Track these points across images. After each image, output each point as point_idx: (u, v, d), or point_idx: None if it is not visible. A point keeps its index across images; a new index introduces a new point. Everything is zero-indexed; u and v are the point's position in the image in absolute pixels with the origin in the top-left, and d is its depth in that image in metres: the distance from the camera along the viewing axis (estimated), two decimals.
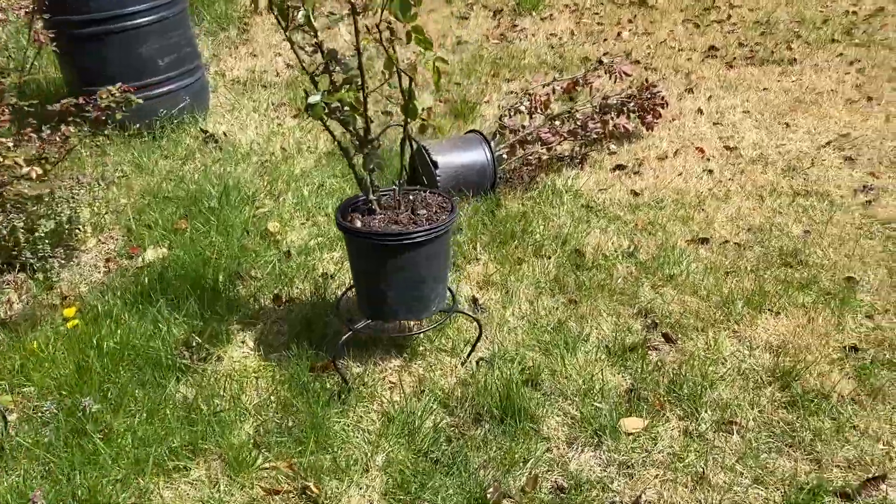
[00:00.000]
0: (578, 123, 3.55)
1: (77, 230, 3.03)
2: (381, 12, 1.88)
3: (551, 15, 5.49)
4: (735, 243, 2.92)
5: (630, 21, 5.38)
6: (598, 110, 3.60)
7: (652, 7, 5.57)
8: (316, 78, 2.13)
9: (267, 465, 2.01)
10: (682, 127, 3.91)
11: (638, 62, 4.75)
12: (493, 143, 3.51)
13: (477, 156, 3.26)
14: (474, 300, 2.66)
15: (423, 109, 2.09)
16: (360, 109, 2.13)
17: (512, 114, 3.63)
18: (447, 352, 2.41)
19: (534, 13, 5.49)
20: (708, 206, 3.19)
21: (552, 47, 5.04)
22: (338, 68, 2.13)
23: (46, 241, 2.84)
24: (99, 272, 2.88)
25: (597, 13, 5.53)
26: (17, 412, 2.24)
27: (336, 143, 2.22)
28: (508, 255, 2.87)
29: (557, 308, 2.59)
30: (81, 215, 3.10)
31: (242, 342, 2.49)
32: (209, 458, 2.04)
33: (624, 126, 3.67)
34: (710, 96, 4.24)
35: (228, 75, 4.76)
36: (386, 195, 2.28)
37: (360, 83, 2.10)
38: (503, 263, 2.84)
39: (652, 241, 2.95)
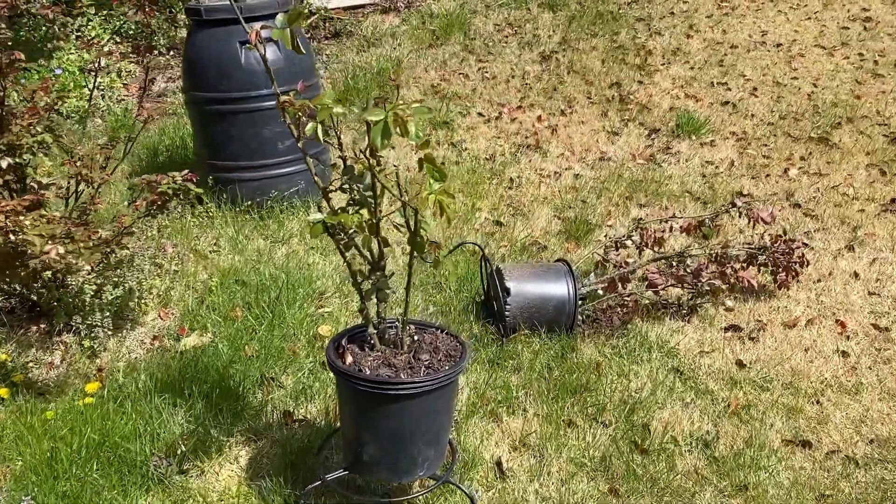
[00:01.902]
0: (690, 270, 3.08)
1: (142, 301, 3.03)
2: (369, 135, 1.65)
3: (713, 141, 5.02)
4: (846, 456, 2.30)
5: (803, 158, 4.78)
6: (714, 258, 3.11)
7: (833, 145, 4.93)
8: (329, 194, 1.93)
9: None
10: (826, 291, 3.29)
11: (798, 206, 4.16)
12: (591, 276, 3.15)
13: (557, 289, 2.90)
14: (499, 464, 2.28)
15: (429, 244, 1.82)
16: (370, 233, 1.90)
17: (618, 246, 3.25)
18: None
19: (693, 137, 5.06)
20: (827, 398, 2.58)
21: (704, 176, 4.58)
22: (358, 186, 1.93)
23: (106, 309, 2.86)
24: (143, 349, 2.84)
25: (766, 145, 4.98)
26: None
27: (345, 263, 2.00)
28: (559, 414, 2.47)
29: (592, 496, 2.14)
30: (153, 286, 3.12)
31: (235, 459, 2.29)
32: None
33: (749, 280, 3.14)
34: (875, 259, 3.56)
35: None
36: (393, 327, 2.01)
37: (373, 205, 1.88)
38: (550, 422, 2.44)
39: (740, 432, 2.41)
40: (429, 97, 5.54)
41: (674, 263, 3.13)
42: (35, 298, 2.96)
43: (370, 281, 1.96)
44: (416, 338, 1.98)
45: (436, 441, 1.92)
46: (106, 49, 6.00)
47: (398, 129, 1.57)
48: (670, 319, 3.08)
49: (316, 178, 1.93)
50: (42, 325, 2.94)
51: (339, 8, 6.75)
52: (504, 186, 4.44)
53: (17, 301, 3.03)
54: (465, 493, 2.05)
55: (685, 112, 5.27)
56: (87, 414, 2.35)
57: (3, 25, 2.71)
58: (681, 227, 3.28)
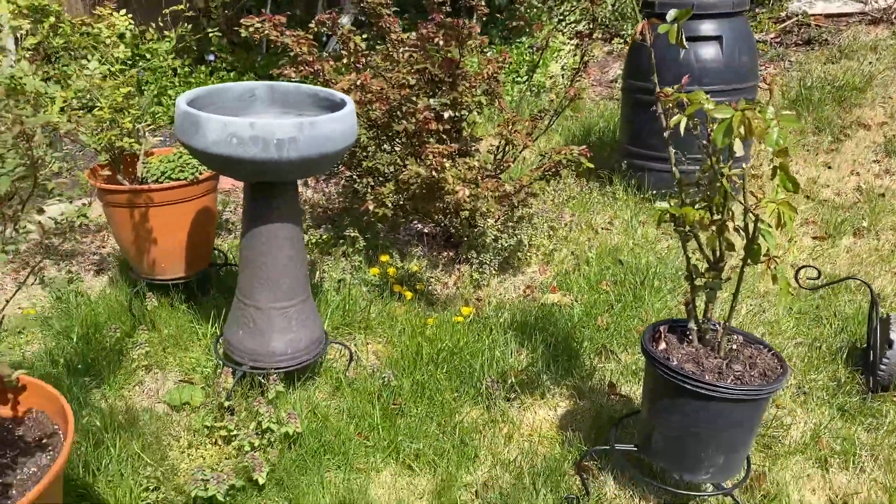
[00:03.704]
0: None
1: (528, 254, 3.43)
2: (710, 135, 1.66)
3: None
4: None
5: None
6: None
7: None
8: (684, 186, 1.99)
9: None
10: None
11: None
12: None
13: None
14: None
15: (765, 256, 1.77)
16: (715, 233, 1.92)
17: None
18: None
19: None
20: None
21: None
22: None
23: (499, 253, 3.33)
24: (515, 293, 3.23)
25: None
26: (380, 360, 2.77)
27: (685, 255, 2.05)
28: None
29: None
30: (542, 244, 3.50)
31: (554, 407, 2.53)
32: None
33: None
34: None
35: None
36: (715, 330, 2.01)
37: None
38: (889, 492, 2.15)
39: None
40: (894, 120, 4.93)
41: None
42: (452, 231, 3.57)
43: (704, 278, 1.99)
44: (734, 347, 1.96)
45: (728, 451, 1.89)
46: (578, 30, 6.57)
47: (742, 131, 1.58)
48: None
49: (674, 169, 2.01)
50: (450, 253, 3.54)
51: (820, 15, 6.31)
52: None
53: (440, 230, 3.69)
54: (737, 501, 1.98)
55: None
56: (456, 329, 2.82)
57: (483, 3, 3.27)
58: None
